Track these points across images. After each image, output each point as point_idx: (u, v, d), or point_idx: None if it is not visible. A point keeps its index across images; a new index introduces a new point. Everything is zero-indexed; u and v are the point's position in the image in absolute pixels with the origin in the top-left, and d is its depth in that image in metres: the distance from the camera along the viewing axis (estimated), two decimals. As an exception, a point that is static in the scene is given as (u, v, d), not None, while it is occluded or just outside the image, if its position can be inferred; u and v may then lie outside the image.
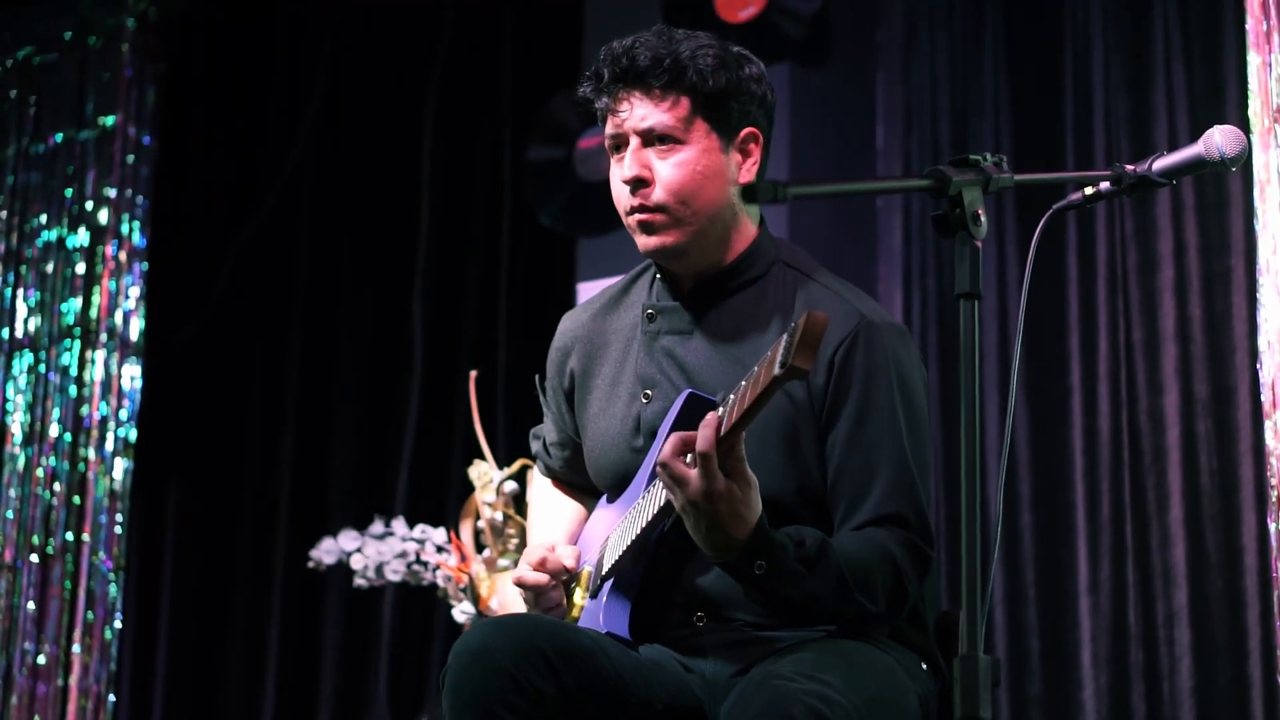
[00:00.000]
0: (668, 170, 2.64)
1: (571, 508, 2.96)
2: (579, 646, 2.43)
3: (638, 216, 2.65)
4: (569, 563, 2.69)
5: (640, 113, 2.64)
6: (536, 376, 2.99)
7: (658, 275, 2.77)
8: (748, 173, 2.69)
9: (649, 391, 2.69)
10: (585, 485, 2.93)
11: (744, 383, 2.30)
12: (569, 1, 5.47)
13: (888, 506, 2.54)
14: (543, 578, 2.68)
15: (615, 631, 2.55)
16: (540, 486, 3.04)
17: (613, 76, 2.65)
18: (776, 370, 2.19)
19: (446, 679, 2.41)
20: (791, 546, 2.41)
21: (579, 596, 2.68)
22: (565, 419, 2.90)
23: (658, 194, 2.63)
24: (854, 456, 2.55)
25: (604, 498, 2.82)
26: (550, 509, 2.98)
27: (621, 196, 2.68)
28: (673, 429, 2.54)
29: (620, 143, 2.68)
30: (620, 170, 2.67)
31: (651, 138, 2.64)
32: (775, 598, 2.45)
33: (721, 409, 2.35)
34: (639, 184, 2.64)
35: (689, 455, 2.35)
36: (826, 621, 2.53)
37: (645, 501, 2.54)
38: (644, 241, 2.67)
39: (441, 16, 5.89)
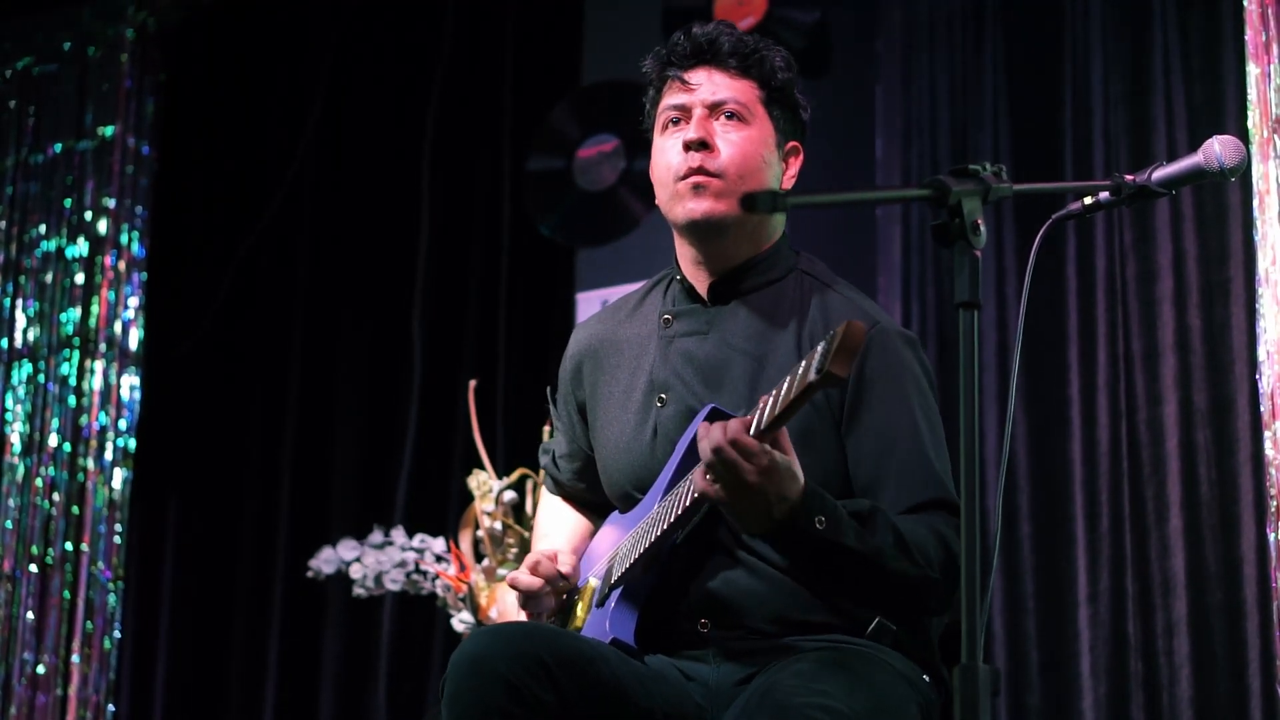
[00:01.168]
0: (732, 143, 2.68)
1: (578, 521, 2.97)
2: (578, 654, 2.43)
3: (694, 179, 2.66)
4: (564, 569, 2.70)
5: (713, 87, 2.69)
6: (548, 389, 3.00)
7: (676, 278, 2.78)
8: (788, 182, 2.76)
9: (663, 395, 2.69)
10: (593, 501, 2.93)
11: (776, 388, 2.30)
12: (569, 14, 5.48)
13: (924, 495, 2.55)
14: (536, 581, 2.69)
15: (621, 639, 2.55)
16: (547, 504, 3.05)
17: (694, 50, 2.70)
18: (813, 376, 2.19)
19: (445, 687, 2.40)
20: (840, 504, 2.43)
21: (580, 610, 2.68)
22: (577, 430, 2.90)
23: (720, 161, 2.66)
24: (880, 459, 2.57)
25: (614, 512, 2.82)
26: (556, 523, 2.98)
27: (675, 162, 2.68)
28: (691, 443, 2.54)
29: (682, 114, 2.70)
30: (676, 139, 2.69)
31: (719, 112, 2.69)
32: (836, 559, 2.41)
33: (758, 408, 2.35)
34: (702, 145, 2.66)
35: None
36: (888, 590, 2.50)
37: (661, 510, 2.54)
38: (692, 207, 2.67)
39: (442, 28, 5.90)
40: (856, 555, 2.41)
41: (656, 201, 2.77)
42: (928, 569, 2.46)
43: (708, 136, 2.66)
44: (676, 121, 2.71)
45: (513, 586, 2.71)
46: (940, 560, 2.48)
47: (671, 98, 2.72)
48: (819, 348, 2.20)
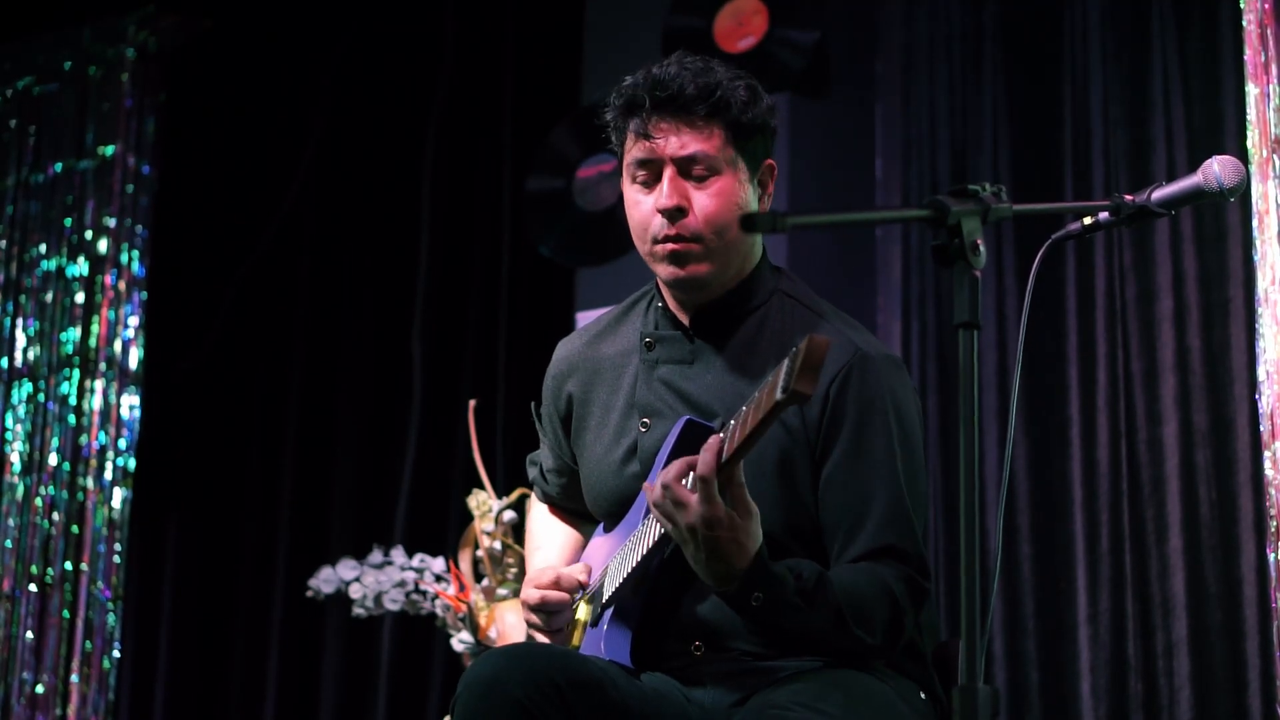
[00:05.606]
0: (706, 200, 2.61)
1: (569, 534, 2.96)
2: (589, 677, 2.42)
3: (670, 246, 2.61)
4: (582, 578, 2.69)
5: (680, 140, 2.60)
6: (533, 404, 2.99)
7: (657, 304, 2.76)
8: (764, 204, 2.70)
9: (647, 420, 2.68)
10: (582, 511, 2.92)
11: (745, 408, 2.28)
12: (569, 33, 5.48)
13: (882, 539, 2.53)
14: (563, 595, 2.67)
15: (616, 660, 2.54)
16: (538, 513, 3.04)
17: (654, 103, 2.60)
18: (779, 395, 2.17)
19: (457, 708, 2.39)
20: (790, 579, 2.41)
21: (582, 612, 2.67)
22: (561, 446, 2.90)
23: (695, 224, 2.60)
24: (849, 490, 2.55)
25: (600, 526, 2.81)
26: (548, 536, 2.98)
27: (651, 224, 2.63)
28: (670, 456, 2.54)
29: (651, 168, 2.63)
30: (647, 197, 2.63)
31: (688, 166, 2.61)
32: (771, 631, 2.45)
33: (723, 434, 2.34)
34: (678, 213, 2.60)
35: (689, 479, 2.34)
36: (823, 652, 2.53)
37: (645, 529, 2.54)
38: (671, 271, 2.63)
39: (442, 48, 5.91)
40: (789, 633, 2.45)
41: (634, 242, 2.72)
42: (867, 637, 2.47)
43: (682, 201, 2.60)
44: (643, 174, 2.64)
45: (541, 606, 2.68)
46: (884, 621, 2.49)
47: (637, 151, 2.63)
48: (783, 365, 2.18)
